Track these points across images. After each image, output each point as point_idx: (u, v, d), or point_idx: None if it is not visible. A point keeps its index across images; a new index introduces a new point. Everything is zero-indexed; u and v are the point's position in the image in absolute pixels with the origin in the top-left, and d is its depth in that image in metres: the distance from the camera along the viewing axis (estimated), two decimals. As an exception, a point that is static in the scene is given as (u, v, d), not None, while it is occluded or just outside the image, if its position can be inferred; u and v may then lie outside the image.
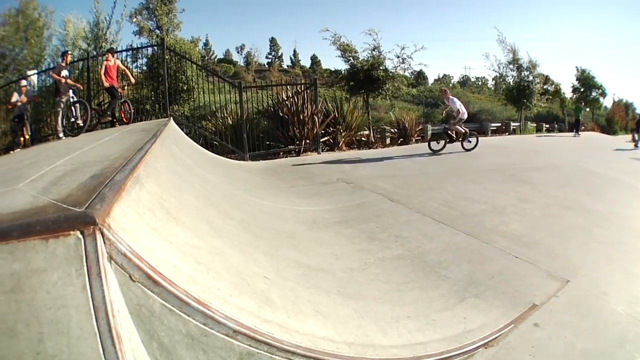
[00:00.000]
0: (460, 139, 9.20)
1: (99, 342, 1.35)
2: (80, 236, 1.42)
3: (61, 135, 7.35)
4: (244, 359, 1.60)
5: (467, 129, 9.42)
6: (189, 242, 2.14)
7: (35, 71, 10.78)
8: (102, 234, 1.45)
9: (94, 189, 1.79)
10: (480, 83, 36.45)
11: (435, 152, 8.89)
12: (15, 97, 8.37)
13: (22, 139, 8.35)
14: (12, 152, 7.82)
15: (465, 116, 9.23)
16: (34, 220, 1.46)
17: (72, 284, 1.39)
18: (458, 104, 9.08)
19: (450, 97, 9.25)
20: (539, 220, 4.17)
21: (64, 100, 7.31)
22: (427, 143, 9.60)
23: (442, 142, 9.07)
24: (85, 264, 1.41)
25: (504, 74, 19.54)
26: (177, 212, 2.38)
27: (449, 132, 9.15)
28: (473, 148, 9.12)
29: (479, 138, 9.48)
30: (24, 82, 8.81)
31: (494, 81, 25.76)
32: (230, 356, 1.58)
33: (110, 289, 1.42)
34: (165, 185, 2.71)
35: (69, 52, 8.16)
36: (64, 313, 1.36)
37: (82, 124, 7.44)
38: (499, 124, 19.38)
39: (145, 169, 2.49)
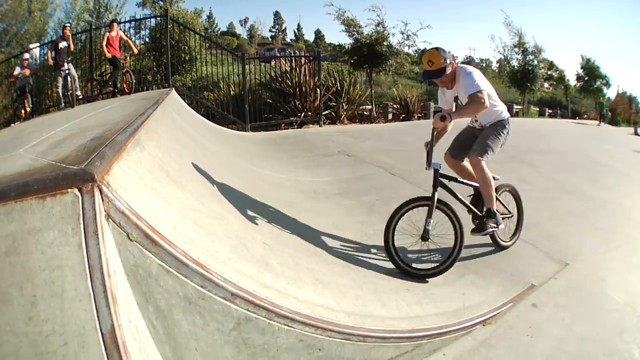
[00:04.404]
0: None
1: (93, 303, 1.30)
2: (78, 193, 1.37)
3: (62, 105, 7.44)
4: (242, 324, 1.56)
5: None
6: (189, 205, 2.08)
7: (37, 44, 10.81)
8: (101, 191, 1.41)
9: (94, 149, 1.75)
10: (484, 65, 35.95)
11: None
12: (17, 70, 8.40)
13: (23, 111, 8.41)
14: (12, 124, 7.94)
15: None
16: (31, 180, 1.42)
17: (68, 243, 1.34)
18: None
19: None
20: (539, 203, 4.14)
21: (62, 71, 7.40)
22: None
23: None
24: (82, 222, 1.36)
25: (509, 56, 19.49)
26: (177, 175, 2.34)
27: None
28: None
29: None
30: (26, 56, 8.80)
31: (497, 63, 25.46)
32: (227, 321, 1.54)
33: (107, 248, 1.36)
34: (166, 150, 2.70)
35: (67, 25, 8.19)
36: (58, 274, 1.31)
37: (80, 95, 7.63)
38: (502, 106, 19.79)
39: (146, 133, 2.44)
